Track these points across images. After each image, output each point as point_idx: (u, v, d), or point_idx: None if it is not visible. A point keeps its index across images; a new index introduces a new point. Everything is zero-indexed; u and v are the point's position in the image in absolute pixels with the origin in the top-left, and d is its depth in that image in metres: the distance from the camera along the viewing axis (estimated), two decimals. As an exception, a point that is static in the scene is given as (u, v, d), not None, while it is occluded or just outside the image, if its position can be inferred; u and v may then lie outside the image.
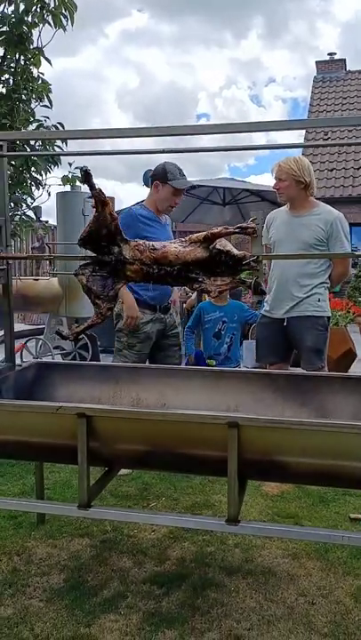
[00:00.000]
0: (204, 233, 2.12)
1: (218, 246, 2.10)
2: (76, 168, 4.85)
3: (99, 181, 3.29)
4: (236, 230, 2.11)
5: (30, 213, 5.15)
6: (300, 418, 2.15)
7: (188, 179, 3.54)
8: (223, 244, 2.11)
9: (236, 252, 2.08)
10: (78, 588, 2.26)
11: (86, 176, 2.31)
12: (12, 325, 2.50)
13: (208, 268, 2.10)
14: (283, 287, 3.42)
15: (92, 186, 2.27)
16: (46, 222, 7.89)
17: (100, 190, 2.27)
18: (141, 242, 2.20)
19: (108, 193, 3.40)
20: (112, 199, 11.62)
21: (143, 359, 3.37)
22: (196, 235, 2.16)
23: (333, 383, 2.43)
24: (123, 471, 3.34)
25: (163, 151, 2.43)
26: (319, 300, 3.36)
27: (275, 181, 3.41)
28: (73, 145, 4.51)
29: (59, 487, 3.15)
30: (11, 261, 2.54)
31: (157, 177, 3.35)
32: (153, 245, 2.16)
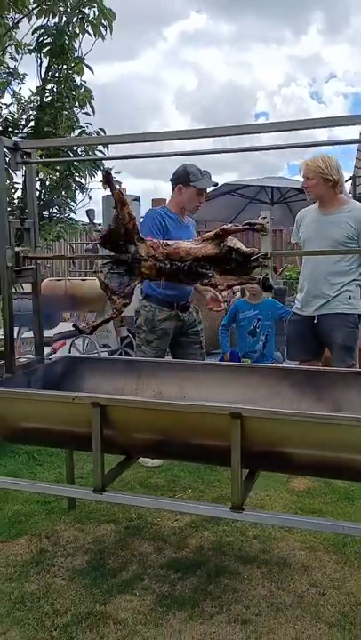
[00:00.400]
0: (216, 230, 2.20)
1: (228, 244, 2.18)
2: (117, 173, 5.00)
3: (157, 184, 3.47)
4: (245, 227, 2.18)
5: (74, 216, 5.37)
6: (311, 411, 2.18)
7: (247, 177, 3.64)
8: (233, 241, 2.19)
9: (244, 248, 2.15)
10: (99, 569, 2.38)
11: (107, 177, 2.44)
12: (40, 322, 2.66)
13: (219, 264, 2.18)
14: (313, 285, 3.43)
15: (112, 187, 2.40)
16: (99, 224, 8.17)
17: (120, 191, 2.40)
18: (156, 240, 2.31)
19: (167, 194, 3.52)
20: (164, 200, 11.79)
21: (161, 354, 3.48)
22: (207, 233, 2.25)
23: (349, 378, 2.45)
24: (154, 462, 3.47)
25: (181, 153, 2.53)
26: (350, 298, 3.35)
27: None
28: (122, 149, 4.67)
29: (91, 477, 3.29)
30: (42, 262, 2.70)
31: (180, 180, 3.45)
32: (166, 243, 2.27)
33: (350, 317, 3.34)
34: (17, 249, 2.42)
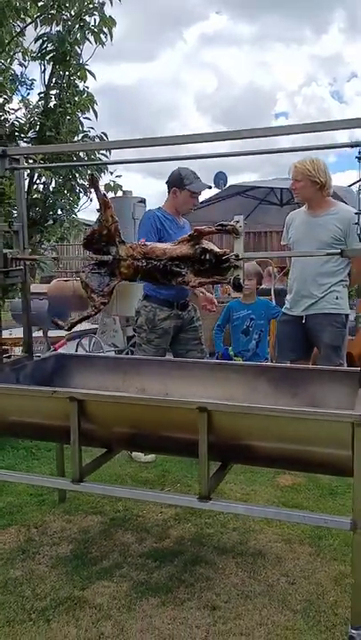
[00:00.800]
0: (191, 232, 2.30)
1: (203, 245, 2.26)
2: (118, 176, 5.12)
3: None
4: (218, 229, 2.26)
5: (78, 217, 5.50)
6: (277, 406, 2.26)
7: (267, 178, 3.74)
8: (207, 242, 2.28)
9: (217, 249, 2.24)
10: (81, 557, 2.49)
11: (91, 181, 2.56)
12: (29, 320, 2.78)
13: (193, 264, 2.26)
14: (302, 286, 3.50)
15: (97, 189, 2.51)
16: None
17: (105, 194, 2.51)
18: (135, 242, 2.41)
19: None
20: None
21: (161, 353, 3.57)
22: (184, 236, 2.34)
23: (323, 375, 2.52)
24: (147, 458, 3.57)
25: (179, 158, 2.63)
26: (337, 298, 3.42)
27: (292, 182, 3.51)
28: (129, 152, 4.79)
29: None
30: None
31: (174, 183, 3.54)
32: (144, 243, 2.37)
33: (338, 317, 3.41)
34: (5, 251, 2.53)
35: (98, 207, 2.43)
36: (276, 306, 4.36)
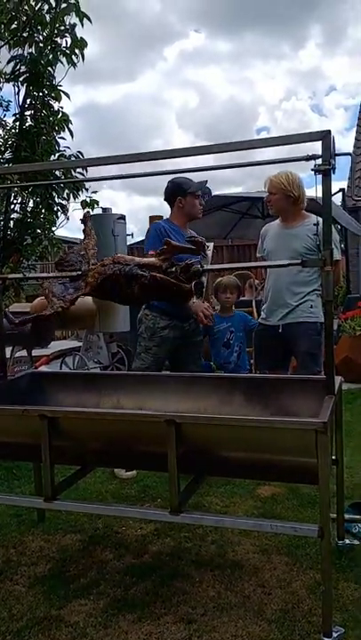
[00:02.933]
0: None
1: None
2: (93, 192, 5.16)
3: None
4: (189, 242, 2.30)
5: (58, 235, 5.54)
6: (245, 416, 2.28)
7: (251, 191, 3.80)
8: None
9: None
10: (59, 576, 2.48)
11: (84, 219, 2.64)
12: (2, 339, 2.79)
13: (160, 271, 2.28)
14: (277, 295, 3.55)
15: (86, 227, 2.58)
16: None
17: (90, 228, 2.61)
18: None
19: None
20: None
21: (160, 362, 3.54)
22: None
23: (294, 385, 2.55)
24: (128, 475, 3.56)
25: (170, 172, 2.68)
26: (311, 307, 3.47)
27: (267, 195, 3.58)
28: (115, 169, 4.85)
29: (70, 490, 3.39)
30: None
31: (176, 194, 3.59)
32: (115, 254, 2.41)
33: (313, 326, 3.45)
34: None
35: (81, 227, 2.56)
36: (253, 319, 4.40)
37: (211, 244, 2.23)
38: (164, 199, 3.74)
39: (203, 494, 3.24)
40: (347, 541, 2.54)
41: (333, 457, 2.36)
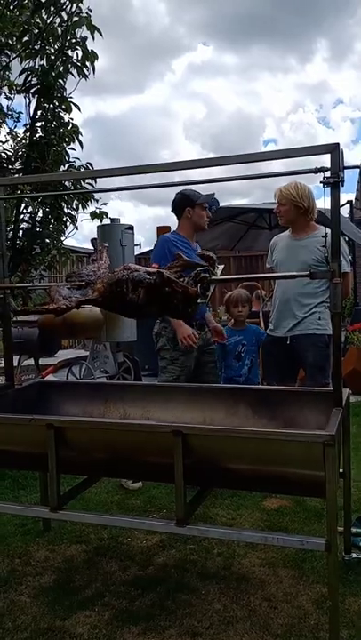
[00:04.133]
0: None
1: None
2: (103, 204, 5.18)
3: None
4: (198, 262, 2.30)
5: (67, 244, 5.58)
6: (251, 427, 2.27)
7: (257, 202, 3.84)
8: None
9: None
10: (63, 587, 2.47)
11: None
12: (10, 348, 2.80)
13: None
14: (284, 306, 3.55)
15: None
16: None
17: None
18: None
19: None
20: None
21: (187, 373, 3.51)
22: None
23: (301, 396, 2.54)
24: (134, 485, 3.55)
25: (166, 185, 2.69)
26: (320, 319, 3.46)
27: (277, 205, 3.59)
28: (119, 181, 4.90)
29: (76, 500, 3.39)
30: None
31: (185, 205, 3.63)
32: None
33: (321, 338, 3.44)
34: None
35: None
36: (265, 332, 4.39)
37: (221, 267, 2.28)
38: (172, 210, 3.78)
39: (209, 506, 3.23)
40: (354, 555, 2.52)
41: (341, 470, 2.35)
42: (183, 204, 3.66)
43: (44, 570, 2.63)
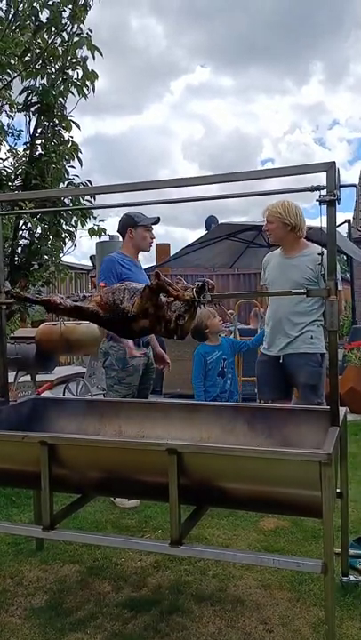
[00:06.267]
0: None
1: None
2: (101, 220, 5.19)
3: (171, 229, 3.74)
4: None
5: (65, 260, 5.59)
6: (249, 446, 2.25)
7: (256, 220, 3.85)
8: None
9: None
10: (56, 608, 2.42)
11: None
12: (5, 364, 2.78)
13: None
14: (277, 325, 3.54)
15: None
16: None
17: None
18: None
19: (177, 239, 3.76)
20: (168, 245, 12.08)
21: (133, 391, 3.60)
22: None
23: (298, 415, 2.51)
24: (130, 504, 3.50)
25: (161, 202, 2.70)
26: (312, 337, 3.45)
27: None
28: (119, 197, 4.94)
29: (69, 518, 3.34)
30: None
31: (127, 226, 3.71)
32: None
33: (313, 357, 3.43)
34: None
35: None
36: (240, 340, 4.40)
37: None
38: (117, 230, 3.87)
39: (204, 526, 3.18)
40: (351, 578, 2.48)
41: (338, 490, 2.32)
42: (126, 224, 3.73)
43: (36, 590, 2.58)
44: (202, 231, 10.69)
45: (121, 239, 6.92)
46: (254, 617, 2.30)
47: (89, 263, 9.66)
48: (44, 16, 4.69)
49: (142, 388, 3.69)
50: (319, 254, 2.26)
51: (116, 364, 3.57)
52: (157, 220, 3.76)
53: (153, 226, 3.79)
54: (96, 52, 4.70)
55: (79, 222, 5.22)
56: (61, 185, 5.10)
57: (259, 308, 6.89)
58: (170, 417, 2.70)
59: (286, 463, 1.85)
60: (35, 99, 4.85)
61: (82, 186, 5.12)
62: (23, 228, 5.12)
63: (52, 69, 4.88)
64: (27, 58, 4.89)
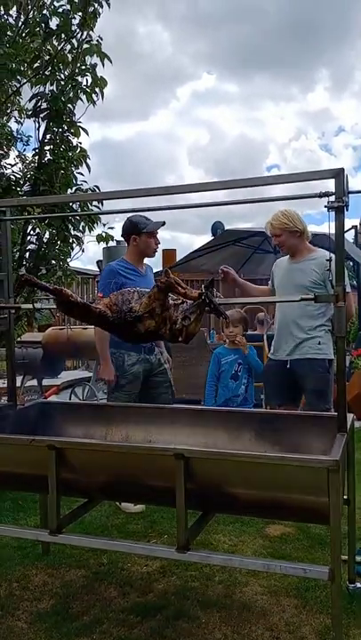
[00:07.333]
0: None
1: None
2: (110, 228, 5.21)
3: (176, 234, 3.71)
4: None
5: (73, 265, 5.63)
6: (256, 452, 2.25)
7: (262, 227, 3.85)
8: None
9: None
10: (61, 613, 2.42)
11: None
12: (13, 368, 2.79)
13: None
14: (284, 329, 3.54)
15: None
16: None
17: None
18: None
19: (183, 245, 3.77)
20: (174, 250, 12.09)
21: (133, 398, 3.56)
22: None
23: (305, 421, 2.51)
24: (136, 508, 3.50)
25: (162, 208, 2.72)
26: (320, 343, 3.44)
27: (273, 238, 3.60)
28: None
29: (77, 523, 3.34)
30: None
31: (131, 232, 3.63)
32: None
33: (321, 362, 3.42)
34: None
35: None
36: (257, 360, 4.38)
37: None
38: (121, 235, 3.80)
39: (211, 532, 3.17)
40: (358, 585, 2.46)
41: (345, 496, 2.31)
42: (129, 231, 3.65)
43: (42, 595, 2.58)
44: (207, 237, 10.69)
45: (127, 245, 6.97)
46: (260, 623, 2.29)
47: (95, 268, 9.69)
48: (53, 23, 4.74)
49: (158, 394, 3.64)
50: (327, 260, 2.27)
51: (116, 370, 3.56)
52: (161, 225, 3.68)
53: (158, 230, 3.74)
54: (105, 60, 4.73)
55: (87, 227, 5.25)
56: (70, 190, 5.13)
57: (265, 314, 6.89)
58: (177, 422, 2.71)
59: (294, 469, 1.85)
60: (44, 105, 4.90)
61: (90, 191, 5.15)
62: (31, 233, 5.15)
63: (62, 76, 4.93)
64: (36, 64, 4.94)
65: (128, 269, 3.62)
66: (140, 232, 3.61)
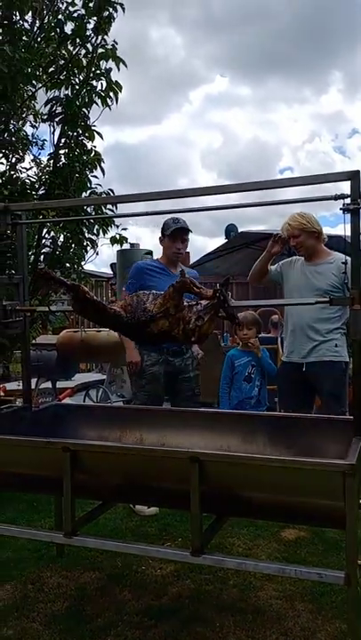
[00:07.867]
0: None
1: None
2: (123, 229, 5.23)
3: (190, 237, 3.65)
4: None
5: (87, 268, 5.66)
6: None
7: (275, 229, 3.83)
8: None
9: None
10: (76, 615, 2.43)
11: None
12: (28, 370, 2.81)
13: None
14: (300, 332, 3.52)
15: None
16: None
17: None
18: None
19: (197, 247, 3.78)
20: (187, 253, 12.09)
21: (153, 400, 3.53)
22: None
23: (320, 424, 2.50)
24: (150, 511, 3.50)
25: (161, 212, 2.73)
26: (336, 346, 3.42)
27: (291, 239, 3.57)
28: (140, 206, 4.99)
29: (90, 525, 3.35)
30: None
31: (162, 232, 3.67)
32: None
33: (337, 365, 3.40)
34: (5, 302, 2.59)
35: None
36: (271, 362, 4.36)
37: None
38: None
39: (224, 535, 3.16)
40: (374, 590, 2.44)
41: (361, 501, 2.29)
42: (162, 231, 3.68)
43: (57, 597, 2.59)
44: (221, 239, 10.68)
45: (141, 247, 7.01)
46: (275, 628, 2.28)
47: (108, 271, 9.75)
48: (68, 28, 4.77)
49: (182, 398, 3.60)
50: (343, 263, 2.25)
51: (135, 372, 3.57)
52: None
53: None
54: (120, 64, 4.75)
55: (101, 231, 5.27)
56: (84, 194, 5.15)
57: (278, 317, 6.86)
58: (191, 425, 2.70)
59: (309, 473, 1.84)
60: (59, 109, 4.93)
61: (104, 195, 5.17)
62: (46, 236, 5.18)
63: (77, 80, 4.96)
64: (51, 69, 4.97)
65: (158, 268, 3.63)
66: (164, 234, 3.64)
